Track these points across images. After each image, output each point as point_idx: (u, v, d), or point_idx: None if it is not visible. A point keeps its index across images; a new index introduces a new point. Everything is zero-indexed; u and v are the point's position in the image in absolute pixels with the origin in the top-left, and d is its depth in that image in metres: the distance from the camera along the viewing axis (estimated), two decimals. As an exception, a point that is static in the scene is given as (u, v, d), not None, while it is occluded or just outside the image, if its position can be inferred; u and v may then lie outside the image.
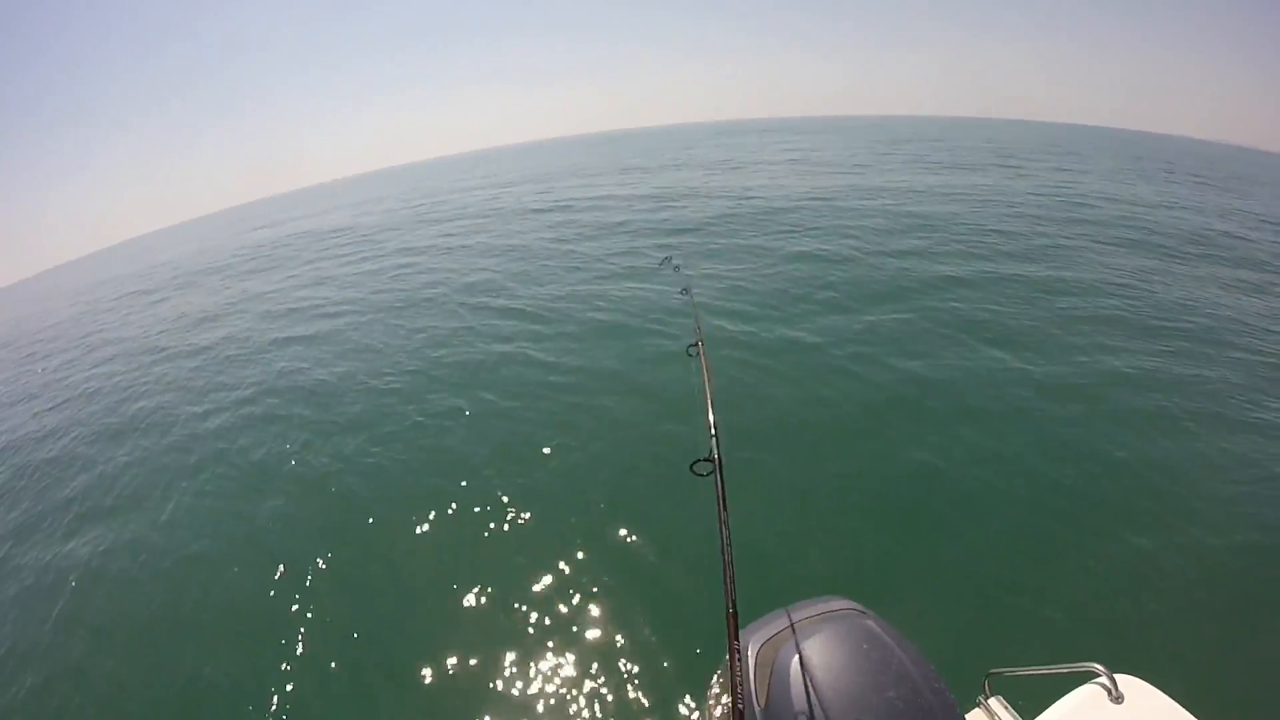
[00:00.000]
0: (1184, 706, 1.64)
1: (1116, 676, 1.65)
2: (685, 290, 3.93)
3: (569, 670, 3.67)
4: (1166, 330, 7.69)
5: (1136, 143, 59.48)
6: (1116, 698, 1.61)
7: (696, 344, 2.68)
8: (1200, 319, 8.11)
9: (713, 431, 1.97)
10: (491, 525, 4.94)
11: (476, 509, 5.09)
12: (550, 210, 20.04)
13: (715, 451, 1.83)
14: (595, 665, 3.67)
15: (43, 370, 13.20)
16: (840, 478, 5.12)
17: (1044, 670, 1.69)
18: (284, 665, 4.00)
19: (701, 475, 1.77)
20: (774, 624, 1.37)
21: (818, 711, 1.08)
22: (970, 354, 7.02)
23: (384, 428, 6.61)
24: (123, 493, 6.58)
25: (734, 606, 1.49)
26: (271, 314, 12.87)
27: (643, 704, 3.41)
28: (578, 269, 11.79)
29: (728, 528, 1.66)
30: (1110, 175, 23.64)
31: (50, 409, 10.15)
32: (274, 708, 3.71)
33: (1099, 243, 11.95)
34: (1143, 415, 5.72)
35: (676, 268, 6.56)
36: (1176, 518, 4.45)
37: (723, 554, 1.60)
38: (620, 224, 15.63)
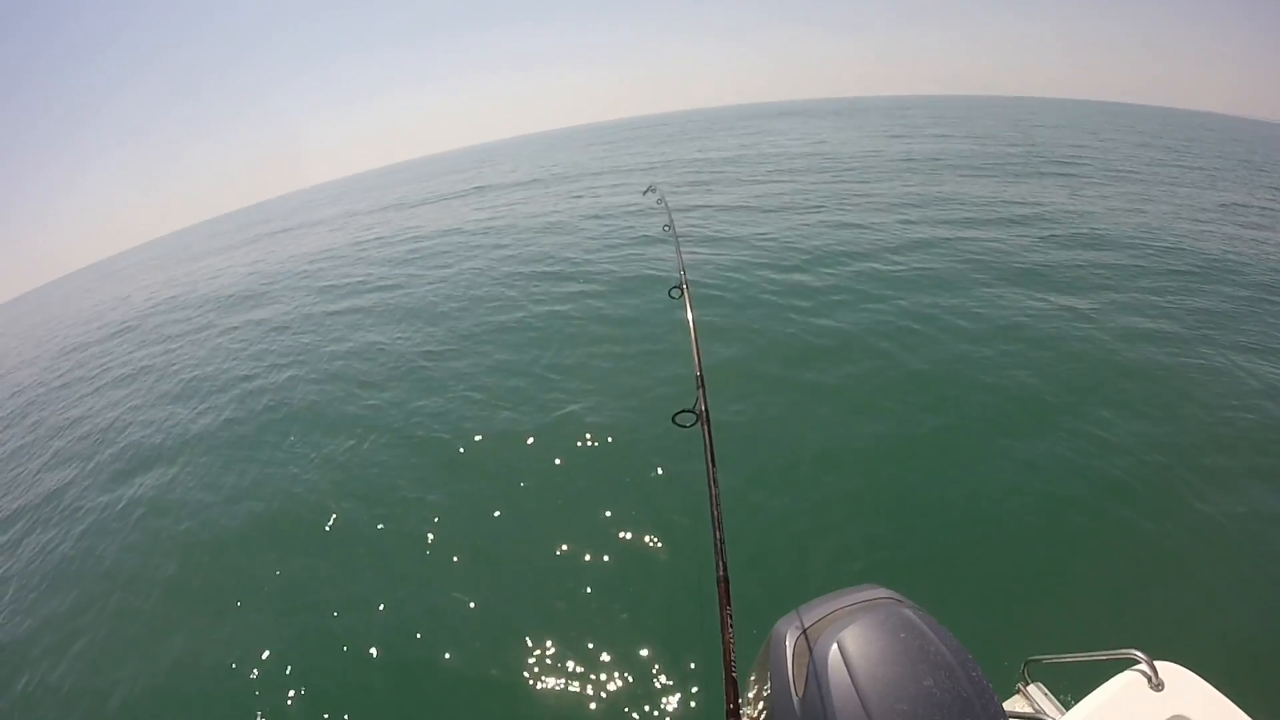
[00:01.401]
0: (1225, 694, 1.60)
1: (1157, 664, 1.64)
2: (668, 226, 3.45)
3: (570, 650, 3.55)
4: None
5: (1167, 119, 56.81)
6: (1157, 685, 1.60)
7: (680, 286, 2.41)
8: None
9: (698, 382, 1.78)
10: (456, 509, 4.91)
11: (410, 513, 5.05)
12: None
13: (701, 402, 1.64)
14: (599, 646, 3.54)
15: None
16: (862, 453, 4.89)
17: (1083, 657, 1.70)
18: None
19: (684, 427, 1.59)
20: (810, 614, 1.32)
21: (855, 700, 1.06)
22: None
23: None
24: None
25: (724, 570, 1.32)
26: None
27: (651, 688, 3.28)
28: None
29: (716, 485, 1.50)
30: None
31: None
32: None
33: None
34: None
35: (661, 200, 4.38)
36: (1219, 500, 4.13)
37: (711, 513, 1.43)
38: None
